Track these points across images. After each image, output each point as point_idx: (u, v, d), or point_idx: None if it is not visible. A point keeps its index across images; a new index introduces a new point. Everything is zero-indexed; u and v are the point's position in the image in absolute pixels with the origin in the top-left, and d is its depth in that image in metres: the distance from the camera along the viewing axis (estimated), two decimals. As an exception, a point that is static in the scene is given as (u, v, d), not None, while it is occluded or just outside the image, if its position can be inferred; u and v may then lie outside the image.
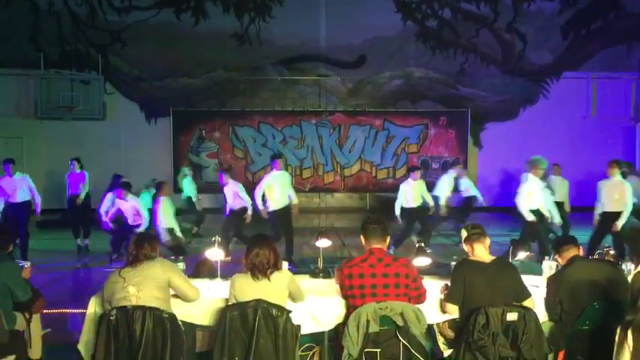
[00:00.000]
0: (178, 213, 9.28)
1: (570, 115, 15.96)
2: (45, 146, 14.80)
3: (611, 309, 3.91)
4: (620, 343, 2.70)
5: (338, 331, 4.10)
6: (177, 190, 13.07)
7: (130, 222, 9.06)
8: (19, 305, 4.32)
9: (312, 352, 4.35)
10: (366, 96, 16.44)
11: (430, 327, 4.16)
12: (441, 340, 4.30)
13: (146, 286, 3.85)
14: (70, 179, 10.57)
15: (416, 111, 16.29)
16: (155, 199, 8.70)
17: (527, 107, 16.44)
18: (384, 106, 16.22)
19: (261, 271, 3.94)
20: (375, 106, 16.23)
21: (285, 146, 15.98)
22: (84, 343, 4.13)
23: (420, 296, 4.04)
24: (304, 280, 4.75)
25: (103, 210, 9.37)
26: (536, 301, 4.12)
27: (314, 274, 5.06)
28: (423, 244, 4.97)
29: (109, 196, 9.50)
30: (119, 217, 9.29)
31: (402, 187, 10.11)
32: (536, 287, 4.45)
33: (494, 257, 4.09)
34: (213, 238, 5.09)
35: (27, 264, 4.65)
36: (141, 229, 8.66)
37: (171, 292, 4.07)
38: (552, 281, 4.24)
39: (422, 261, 4.70)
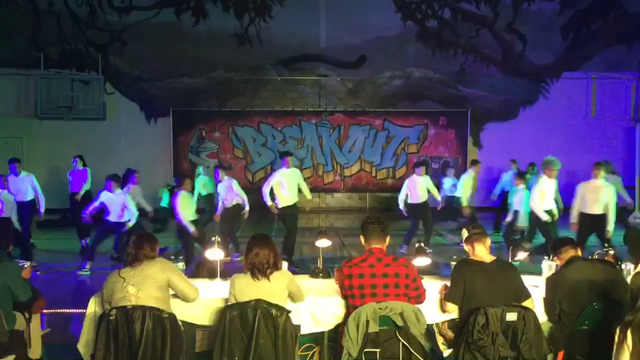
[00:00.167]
0: (200, 212, 9.23)
1: (570, 116, 15.96)
2: (45, 146, 14.80)
3: (610, 309, 3.91)
4: (619, 343, 2.70)
5: (338, 331, 4.10)
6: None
7: (110, 218, 8.76)
8: (19, 305, 4.32)
9: (311, 352, 4.35)
10: (365, 96, 16.44)
11: (430, 327, 4.17)
12: (440, 340, 4.30)
13: (146, 286, 3.85)
14: (72, 176, 10.58)
15: (416, 111, 16.28)
16: (174, 194, 8.67)
17: (527, 107, 16.44)
18: (383, 107, 16.22)
19: (260, 271, 3.94)
20: (374, 106, 16.23)
21: (285, 146, 15.96)
22: (84, 342, 4.13)
23: (419, 296, 4.04)
24: (304, 280, 4.75)
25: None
26: (536, 302, 4.12)
27: (314, 274, 5.06)
28: (422, 244, 4.97)
29: (124, 190, 9.48)
30: (99, 213, 9.05)
31: (407, 182, 10.17)
32: (536, 287, 4.46)
33: (494, 257, 4.09)
34: (212, 238, 5.10)
35: (27, 264, 4.66)
36: (130, 225, 8.69)
37: (171, 292, 4.08)
38: (551, 282, 4.24)
39: (421, 261, 4.71)
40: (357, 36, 15.91)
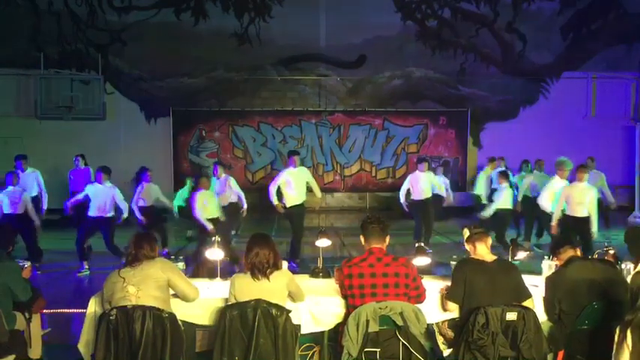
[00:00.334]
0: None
1: (570, 115, 15.97)
2: (45, 146, 14.78)
3: (610, 309, 3.91)
4: (619, 342, 2.71)
5: (338, 331, 4.10)
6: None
7: (91, 212, 8.63)
8: (19, 305, 4.32)
9: (311, 352, 4.35)
10: (365, 96, 16.44)
11: (430, 326, 4.17)
12: (440, 340, 4.31)
13: (146, 285, 3.85)
14: (74, 176, 10.56)
15: (416, 111, 16.29)
16: (192, 192, 8.71)
17: (527, 107, 16.46)
18: (383, 106, 16.22)
19: (260, 270, 3.95)
20: (374, 106, 16.23)
21: (285, 146, 15.96)
22: (84, 342, 4.14)
23: (419, 296, 4.05)
24: (304, 280, 4.76)
25: (134, 205, 9.46)
26: (536, 301, 4.12)
27: (314, 274, 5.07)
28: (422, 244, 4.98)
29: (139, 189, 9.63)
30: (80, 206, 8.98)
31: (410, 177, 10.20)
32: (536, 287, 4.46)
33: (495, 257, 4.09)
34: (212, 238, 5.10)
35: (27, 264, 4.66)
36: (124, 217, 8.73)
37: (172, 292, 4.08)
38: (551, 281, 4.24)
39: (421, 261, 4.71)
40: (356, 36, 15.91)
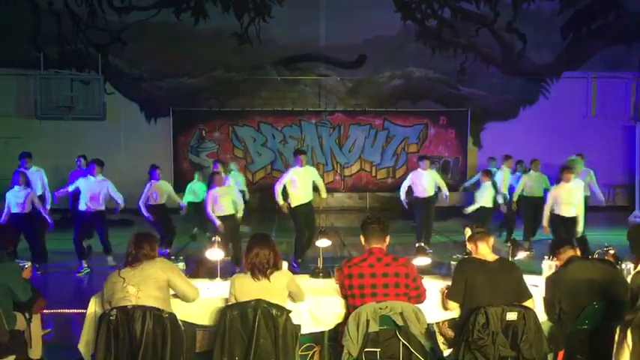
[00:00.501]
0: None
1: (570, 115, 15.96)
2: (45, 146, 14.74)
3: (610, 308, 3.91)
4: (619, 342, 2.71)
5: (338, 331, 4.10)
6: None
7: (80, 206, 8.62)
8: (19, 305, 4.32)
9: (312, 352, 4.35)
10: (365, 96, 16.44)
11: (430, 326, 4.17)
12: (440, 340, 4.31)
13: (146, 285, 3.85)
14: (76, 176, 10.55)
15: (416, 111, 16.28)
16: (208, 190, 8.77)
17: (527, 107, 16.45)
18: (383, 106, 16.22)
19: (260, 271, 3.95)
20: (374, 106, 16.23)
21: (285, 146, 15.98)
22: (84, 342, 4.13)
23: (419, 296, 4.04)
24: (304, 280, 4.76)
25: (142, 203, 9.52)
26: (536, 301, 4.12)
27: (314, 274, 5.07)
28: (422, 244, 4.98)
29: (147, 187, 9.66)
30: (67, 198, 9.00)
31: (412, 174, 10.20)
32: (536, 287, 4.46)
33: (497, 257, 4.10)
34: (212, 238, 5.10)
35: (27, 264, 4.66)
36: (121, 207, 8.77)
37: (172, 292, 4.08)
38: (551, 281, 4.25)
39: (421, 261, 4.71)
40: (356, 35, 15.89)
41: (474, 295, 3.89)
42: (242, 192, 11.62)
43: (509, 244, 5.63)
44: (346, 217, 14.79)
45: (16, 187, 8.59)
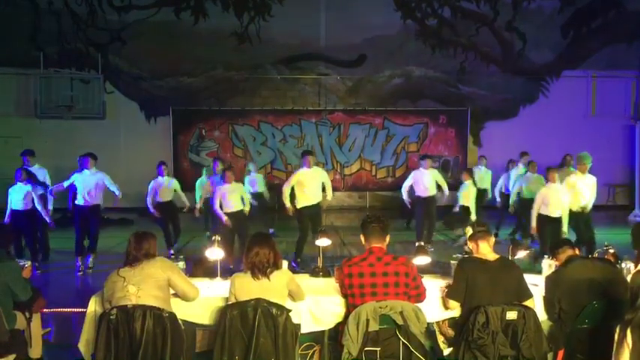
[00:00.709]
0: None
1: (570, 114, 15.96)
2: (44, 145, 14.76)
3: (610, 308, 3.92)
4: (619, 341, 2.70)
5: (338, 330, 4.11)
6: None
7: (78, 201, 8.63)
8: (19, 304, 4.32)
9: (312, 351, 4.35)
10: (365, 95, 16.44)
11: (430, 326, 4.17)
12: (440, 339, 4.31)
13: (146, 285, 3.85)
14: None
15: (416, 110, 16.29)
16: (220, 185, 8.79)
17: (527, 106, 16.46)
18: (383, 105, 16.22)
19: (260, 270, 3.95)
20: (374, 105, 16.23)
21: (285, 145, 15.99)
22: (84, 342, 4.13)
23: (419, 295, 4.04)
24: (304, 279, 4.76)
25: (149, 199, 9.57)
26: (536, 300, 4.12)
27: (314, 273, 5.07)
28: (422, 243, 4.98)
29: (152, 184, 9.71)
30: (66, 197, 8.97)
31: (413, 173, 10.22)
32: (536, 286, 4.46)
33: (498, 256, 4.10)
34: (213, 237, 5.10)
35: (27, 263, 4.66)
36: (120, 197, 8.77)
37: (172, 291, 4.08)
38: (551, 280, 4.25)
39: (421, 260, 4.71)
40: (356, 35, 15.90)
41: (475, 294, 3.89)
42: (260, 193, 11.68)
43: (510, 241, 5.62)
44: (346, 216, 14.79)
45: (18, 184, 8.60)
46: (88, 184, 8.66)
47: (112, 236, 10.12)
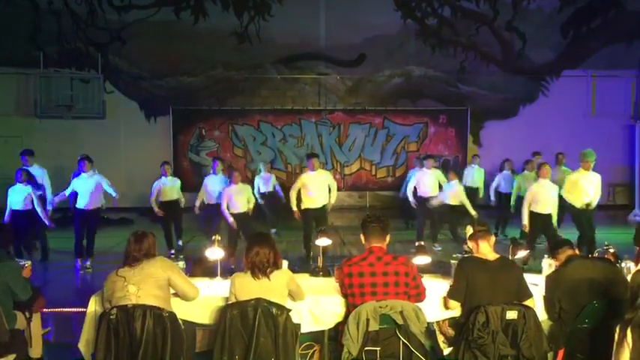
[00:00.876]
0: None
1: (570, 114, 15.94)
2: (44, 145, 14.76)
3: (610, 307, 3.91)
4: (619, 341, 2.71)
5: (338, 330, 4.11)
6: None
7: (79, 205, 8.65)
8: (19, 304, 4.32)
9: (312, 351, 4.36)
10: (365, 94, 16.42)
11: (430, 325, 4.17)
12: (440, 339, 4.31)
13: (146, 284, 3.85)
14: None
15: (416, 109, 16.27)
16: (227, 185, 8.85)
17: (527, 105, 16.44)
18: (383, 105, 16.21)
19: (260, 270, 3.95)
20: (374, 105, 16.22)
21: (285, 145, 15.98)
22: (84, 341, 4.13)
23: (419, 295, 4.04)
24: (304, 279, 4.76)
25: (152, 198, 9.61)
26: (536, 300, 4.12)
27: (314, 273, 5.07)
28: (422, 243, 4.98)
29: (155, 184, 9.72)
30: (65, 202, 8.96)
31: (417, 174, 10.23)
32: (536, 285, 4.46)
33: (498, 255, 4.09)
34: (213, 237, 5.10)
35: (27, 263, 4.66)
36: (117, 198, 8.85)
37: (172, 290, 4.08)
38: (551, 280, 4.25)
39: (421, 259, 4.72)
40: (356, 34, 15.88)
41: (475, 294, 3.89)
42: (270, 193, 11.70)
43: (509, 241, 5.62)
44: (346, 216, 14.78)
45: (18, 185, 8.60)
46: (87, 188, 8.69)
47: (112, 236, 10.11)
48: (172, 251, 9.52)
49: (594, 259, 4.73)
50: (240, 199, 8.61)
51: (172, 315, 3.82)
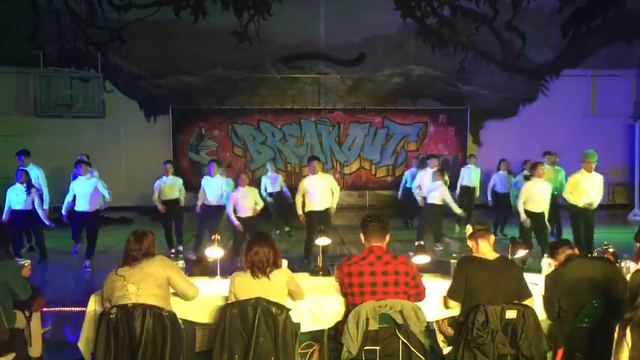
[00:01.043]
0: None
1: (570, 113, 15.95)
2: (44, 144, 14.77)
3: (609, 307, 3.92)
4: (618, 340, 2.71)
5: (337, 329, 4.11)
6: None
7: (80, 207, 8.63)
8: (19, 303, 4.32)
9: (311, 350, 4.36)
10: (365, 94, 16.43)
11: (429, 324, 4.17)
12: (440, 338, 4.31)
13: (146, 284, 3.85)
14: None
15: (415, 109, 16.28)
16: (234, 189, 8.87)
17: (527, 105, 16.45)
18: (383, 104, 16.21)
19: (260, 269, 3.95)
20: (374, 104, 16.22)
21: (285, 144, 15.98)
22: (84, 341, 4.14)
23: (419, 294, 4.04)
24: (304, 278, 4.76)
25: (154, 197, 9.64)
26: (536, 299, 4.12)
27: (313, 272, 5.07)
28: (422, 242, 4.98)
29: (156, 183, 9.72)
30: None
31: (420, 174, 10.26)
32: (535, 285, 4.46)
33: (498, 255, 4.09)
34: (212, 237, 5.10)
35: (27, 262, 4.66)
36: (109, 200, 8.84)
37: (171, 290, 4.08)
38: (550, 279, 4.25)
39: (421, 259, 4.72)
40: (356, 33, 15.89)
41: (474, 293, 3.89)
42: (277, 193, 11.72)
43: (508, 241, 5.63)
44: (346, 215, 14.76)
45: (18, 185, 8.60)
46: (85, 191, 8.69)
47: (112, 235, 10.11)
48: (173, 250, 9.52)
49: (594, 258, 4.74)
50: (246, 203, 8.62)
51: (172, 314, 3.83)
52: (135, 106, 15.93)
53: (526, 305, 3.82)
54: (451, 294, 4.06)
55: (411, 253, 4.90)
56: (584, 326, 3.98)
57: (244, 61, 15.94)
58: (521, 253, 5.18)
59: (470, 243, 4.20)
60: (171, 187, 9.82)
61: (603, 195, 8.95)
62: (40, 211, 8.64)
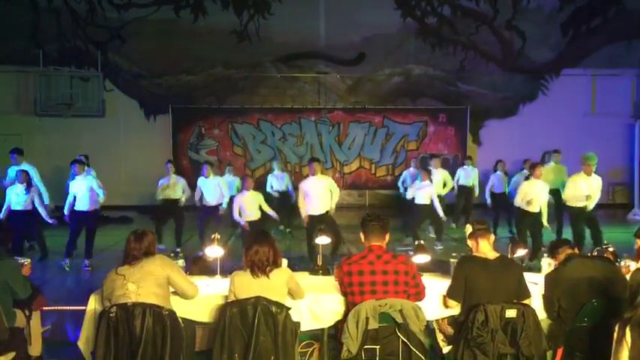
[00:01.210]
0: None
1: (570, 113, 15.95)
2: (44, 143, 14.78)
3: (609, 306, 3.92)
4: (618, 339, 2.71)
5: (337, 328, 4.11)
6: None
7: (79, 207, 8.61)
8: (19, 302, 4.32)
9: (311, 349, 4.36)
10: (365, 93, 16.42)
11: (429, 324, 4.17)
12: (440, 337, 4.31)
13: (146, 282, 3.85)
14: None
15: (415, 108, 16.28)
16: (240, 192, 8.88)
17: (527, 104, 16.44)
18: (383, 104, 16.21)
19: (260, 268, 3.95)
20: (374, 104, 16.22)
21: (285, 143, 15.98)
22: (84, 339, 4.14)
23: (419, 293, 4.04)
24: (304, 278, 4.76)
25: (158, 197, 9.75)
26: (536, 299, 4.12)
27: (313, 271, 5.07)
28: (422, 242, 4.98)
29: (160, 181, 9.78)
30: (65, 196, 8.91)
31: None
32: (535, 284, 4.46)
33: (498, 254, 4.09)
34: (212, 236, 5.10)
35: (26, 261, 4.65)
36: (101, 201, 8.77)
37: (171, 289, 4.08)
38: (550, 279, 4.25)
39: (421, 258, 4.72)
40: (356, 33, 15.89)
41: (474, 292, 3.89)
42: (283, 192, 11.76)
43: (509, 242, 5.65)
44: (345, 215, 14.73)
45: (17, 185, 8.59)
46: (82, 190, 8.66)
47: (111, 234, 10.12)
48: (178, 249, 9.49)
49: (593, 258, 4.74)
50: (251, 208, 8.65)
51: (172, 313, 3.83)
52: (135, 105, 15.93)
53: (526, 304, 3.82)
54: (451, 293, 4.06)
55: (400, 249, 4.91)
56: (583, 325, 3.98)
57: (244, 61, 15.93)
58: (520, 252, 5.18)
59: (470, 242, 4.20)
60: (171, 186, 9.81)
61: (603, 194, 8.96)
62: (40, 210, 8.62)
